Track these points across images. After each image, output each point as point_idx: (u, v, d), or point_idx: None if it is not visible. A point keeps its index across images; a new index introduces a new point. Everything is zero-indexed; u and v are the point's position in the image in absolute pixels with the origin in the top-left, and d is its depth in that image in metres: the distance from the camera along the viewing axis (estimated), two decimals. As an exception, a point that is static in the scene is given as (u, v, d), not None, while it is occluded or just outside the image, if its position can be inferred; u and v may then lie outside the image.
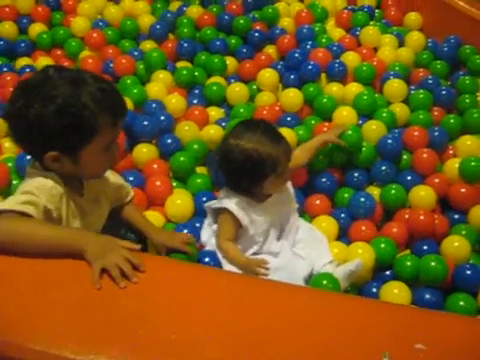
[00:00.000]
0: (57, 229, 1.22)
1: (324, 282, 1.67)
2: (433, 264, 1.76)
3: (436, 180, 2.11)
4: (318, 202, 2.05)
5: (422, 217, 1.93)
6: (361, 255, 1.81)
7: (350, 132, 2.12)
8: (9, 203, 1.23)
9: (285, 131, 2.16)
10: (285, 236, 1.82)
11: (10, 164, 1.99)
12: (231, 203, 1.71)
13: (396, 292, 1.75)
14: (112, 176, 1.58)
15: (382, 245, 1.86)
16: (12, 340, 0.96)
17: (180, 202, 1.93)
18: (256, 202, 1.74)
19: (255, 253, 1.76)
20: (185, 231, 1.79)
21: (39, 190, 1.27)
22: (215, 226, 1.78)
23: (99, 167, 1.40)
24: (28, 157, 1.77)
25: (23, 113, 1.25)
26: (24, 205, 1.22)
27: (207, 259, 1.70)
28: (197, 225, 1.85)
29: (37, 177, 1.31)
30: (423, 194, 2.03)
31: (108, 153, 1.35)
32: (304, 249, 1.81)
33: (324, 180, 2.12)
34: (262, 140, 1.66)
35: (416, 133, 2.22)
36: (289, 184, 1.84)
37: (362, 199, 2.02)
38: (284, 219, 1.82)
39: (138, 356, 0.92)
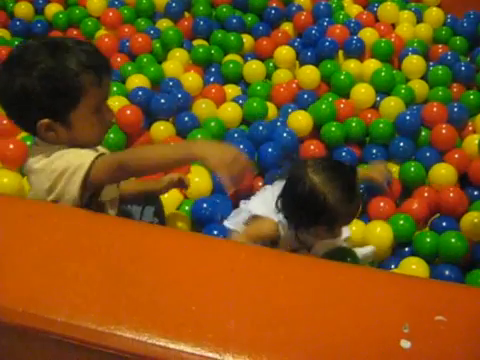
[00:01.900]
0: (168, 146, 1.31)
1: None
2: (453, 241, 1.75)
3: (456, 156, 2.10)
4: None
5: (452, 194, 1.93)
6: (379, 234, 1.81)
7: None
8: (86, 155, 1.27)
9: (303, 115, 2.16)
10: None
11: (28, 142, 2.00)
12: (275, 212, 1.61)
13: (414, 268, 1.74)
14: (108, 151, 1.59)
15: (401, 222, 1.85)
16: (35, 312, 0.97)
17: (198, 180, 1.93)
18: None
19: None
20: (204, 205, 1.81)
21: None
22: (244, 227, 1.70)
23: (94, 131, 1.37)
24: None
25: (9, 86, 1.26)
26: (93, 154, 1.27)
27: (215, 232, 1.72)
28: (218, 201, 1.86)
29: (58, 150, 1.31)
30: (444, 172, 2.02)
31: (100, 116, 1.35)
32: None
33: (344, 155, 2.11)
34: (336, 190, 1.50)
35: (435, 109, 2.20)
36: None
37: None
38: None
39: (158, 326, 0.93)
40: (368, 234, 1.83)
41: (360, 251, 1.73)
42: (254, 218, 1.67)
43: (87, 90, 1.29)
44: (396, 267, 1.78)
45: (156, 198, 1.74)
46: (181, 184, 1.75)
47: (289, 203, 1.58)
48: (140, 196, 1.68)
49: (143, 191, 1.69)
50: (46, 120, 1.29)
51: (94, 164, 1.25)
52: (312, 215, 1.52)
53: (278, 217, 1.60)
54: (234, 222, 1.74)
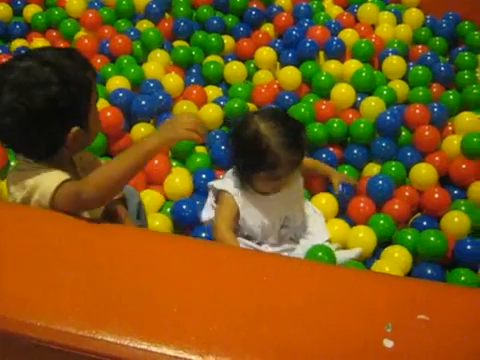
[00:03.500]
0: (126, 155, 1.24)
1: (319, 254, 1.66)
2: (432, 239, 1.76)
3: (436, 158, 2.11)
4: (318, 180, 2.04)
5: (437, 195, 1.94)
6: (362, 239, 1.81)
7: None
8: (52, 180, 1.23)
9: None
10: (286, 224, 1.75)
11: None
12: (232, 185, 1.67)
13: (397, 256, 1.76)
14: (92, 155, 1.60)
15: (381, 222, 1.86)
16: (13, 316, 0.95)
17: (179, 180, 1.92)
18: (260, 194, 1.68)
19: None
20: (184, 207, 1.79)
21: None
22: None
23: (98, 124, 1.41)
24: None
25: (31, 108, 1.22)
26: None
27: (204, 234, 1.70)
28: (197, 203, 1.85)
29: (46, 171, 1.28)
30: (424, 171, 2.03)
31: (97, 109, 1.38)
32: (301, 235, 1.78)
33: (324, 156, 2.10)
34: (279, 137, 1.56)
35: (417, 111, 2.21)
36: (300, 181, 1.78)
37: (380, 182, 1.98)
38: (289, 211, 1.74)
39: (140, 329, 0.92)
40: (350, 239, 1.83)
41: (347, 254, 1.74)
42: (218, 195, 1.71)
43: (93, 85, 1.32)
44: (377, 258, 1.79)
45: (138, 201, 1.72)
46: None
47: (235, 149, 1.65)
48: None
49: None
50: (76, 128, 1.28)
51: (58, 190, 1.21)
52: (255, 159, 1.58)
53: (233, 191, 1.66)
54: (207, 212, 1.76)
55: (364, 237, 1.82)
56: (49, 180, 1.23)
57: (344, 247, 1.82)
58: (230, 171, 1.74)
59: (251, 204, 1.67)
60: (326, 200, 1.95)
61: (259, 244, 1.71)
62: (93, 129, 1.36)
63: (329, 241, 1.79)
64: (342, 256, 1.72)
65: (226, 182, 1.70)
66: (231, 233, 1.63)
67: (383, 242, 1.85)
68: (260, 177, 1.61)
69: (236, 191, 1.66)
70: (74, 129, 1.28)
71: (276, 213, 1.70)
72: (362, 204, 1.93)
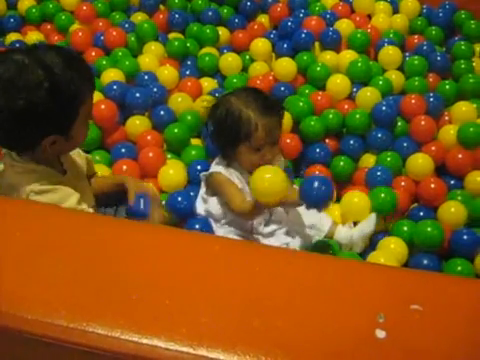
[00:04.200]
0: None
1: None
2: (429, 229, 1.75)
3: (433, 148, 2.10)
4: (317, 173, 2.04)
5: (433, 185, 1.94)
6: (357, 204, 1.82)
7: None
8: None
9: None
10: (274, 219, 1.75)
11: None
12: (222, 168, 1.68)
13: (393, 247, 1.75)
14: (80, 152, 1.58)
15: (382, 195, 1.86)
16: (3, 309, 0.95)
17: (173, 172, 1.92)
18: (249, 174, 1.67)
19: (244, 235, 1.72)
20: (179, 199, 1.78)
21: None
22: (211, 199, 1.74)
23: (85, 135, 1.39)
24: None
25: (10, 108, 1.21)
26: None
27: (197, 226, 1.70)
28: (192, 194, 1.84)
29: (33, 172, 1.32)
30: (421, 161, 2.02)
31: (88, 119, 1.36)
32: (295, 226, 1.78)
33: (318, 151, 2.10)
34: (250, 104, 1.62)
35: (413, 101, 2.20)
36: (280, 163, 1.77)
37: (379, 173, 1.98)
38: None
39: (131, 321, 0.91)
40: (347, 205, 1.85)
41: (365, 227, 1.75)
42: (211, 180, 1.72)
43: (85, 98, 1.30)
44: (373, 250, 1.79)
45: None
46: None
47: (213, 130, 1.71)
48: (112, 194, 1.65)
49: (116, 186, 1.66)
50: (53, 137, 1.27)
51: None
52: (232, 132, 1.62)
53: (224, 171, 1.68)
54: (200, 204, 1.76)
55: (359, 202, 1.82)
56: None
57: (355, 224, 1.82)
58: (216, 159, 1.76)
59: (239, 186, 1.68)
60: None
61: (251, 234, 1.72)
62: (77, 139, 1.35)
63: (334, 224, 1.80)
64: (360, 231, 1.74)
65: (215, 167, 1.72)
66: (248, 202, 1.61)
67: (379, 232, 1.85)
68: (241, 152, 1.64)
69: (223, 169, 1.68)
70: (49, 138, 1.27)
71: None
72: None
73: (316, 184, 1.45)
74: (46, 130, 1.26)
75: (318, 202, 1.47)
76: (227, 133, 1.64)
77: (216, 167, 1.72)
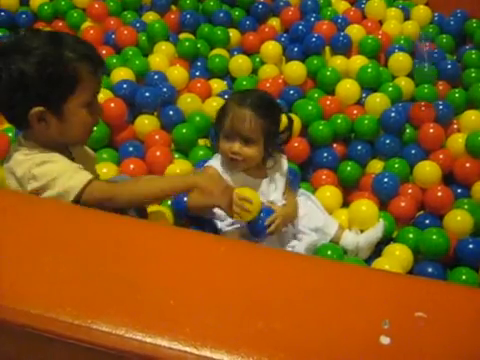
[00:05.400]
0: (165, 181, 1.46)
1: (328, 252, 1.67)
2: (435, 237, 1.75)
3: (440, 156, 2.10)
4: (324, 177, 2.04)
5: (440, 193, 1.94)
6: (365, 212, 1.83)
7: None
8: (78, 178, 1.29)
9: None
10: None
11: (10, 134, 1.98)
12: (217, 163, 1.68)
13: (398, 254, 1.75)
14: (90, 150, 1.59)
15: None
16: (8, 304, 0.95)
17: (180, 171, 1.91)
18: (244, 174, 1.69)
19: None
20: (185, 199, 1.77)
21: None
22: None
23: (84, 126, 1.37)
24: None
25: (4, 74, 1.25)
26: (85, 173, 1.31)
27: (203, 226, 1.70)
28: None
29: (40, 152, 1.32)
30: (428, 169, 2.02)
31: (90, 110, 1.34)
32: (301, 229, 1.76)
33: (325, 155, 2.10)
34: (235, 95, 1.74)
35: (422, 108, 2.19)
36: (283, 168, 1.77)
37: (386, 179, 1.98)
38: (273, 196, 1.73)
39: (136, 320, 0.91)
40: (353, 213, 1.85)
41: (372, 233, 1.76)
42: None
43: (82, 80, 1.30)
44: (378, 256, 1.79)
45: None
46: None
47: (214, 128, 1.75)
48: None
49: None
50: (40, 108, 1.27)
51: (86, 189, 1.28)
52: (219, 123, 1.68)
53: (218, 167, 1.69)
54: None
55: (367, 210, 1.83)
56: (75, 180, 1.28)
57: (361, 230, 1.82)
58: (214, 155, 1.77)
59: (233, 183, 1.65)
60: (330, 193, 1.95)
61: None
62: (73, 123, 1.33)
63: (340, 229, 1.80)
64: (367, 238, 1.75)
65: (211, 161, 1.72)
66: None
67: (385, 240, 1.85)
68: (220, 139, 1.67)
69: (220, 168, 1.68)
70: (36, 109, 1.27)
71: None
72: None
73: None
74: (32, 100, 1.27)
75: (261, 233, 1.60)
76: (216, 125, 1.70)
77: (211, 162, 1.73)
